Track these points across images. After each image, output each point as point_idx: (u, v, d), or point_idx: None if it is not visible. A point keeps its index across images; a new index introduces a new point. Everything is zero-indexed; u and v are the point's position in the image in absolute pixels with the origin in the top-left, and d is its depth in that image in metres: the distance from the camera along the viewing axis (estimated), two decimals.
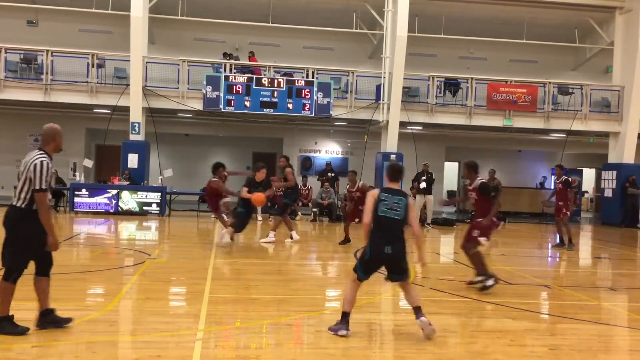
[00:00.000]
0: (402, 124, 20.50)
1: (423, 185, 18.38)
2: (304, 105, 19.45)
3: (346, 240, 13.03)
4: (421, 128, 22.28)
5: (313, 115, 19.72)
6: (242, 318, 6.43)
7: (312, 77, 20.02)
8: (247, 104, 19.27)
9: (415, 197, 18.59)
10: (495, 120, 21.03)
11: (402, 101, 20.20)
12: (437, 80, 21.06)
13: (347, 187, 13.57)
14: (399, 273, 6.00)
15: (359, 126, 22.20)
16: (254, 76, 19.58)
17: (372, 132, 21.42)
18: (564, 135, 22.23)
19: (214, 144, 25.06)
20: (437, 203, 16.02)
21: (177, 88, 19.55)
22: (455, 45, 23.02)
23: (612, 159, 21.97)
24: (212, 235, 14.53)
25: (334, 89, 20.15)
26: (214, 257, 10.65)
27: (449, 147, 25.44)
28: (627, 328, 6.98)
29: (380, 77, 20.30)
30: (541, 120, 21.18)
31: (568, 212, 13.64)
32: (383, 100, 20.16)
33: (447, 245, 15.10)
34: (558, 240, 14.04)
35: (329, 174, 20.80)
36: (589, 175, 28.36)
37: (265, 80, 19.43)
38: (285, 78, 19.71)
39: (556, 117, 21.29)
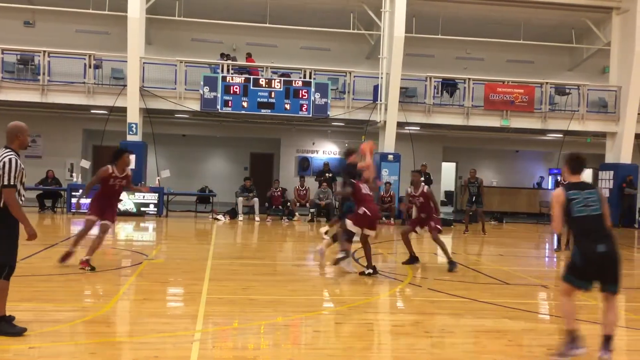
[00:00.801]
0: (400, 125, 20.51)
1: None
2: (302, 105, 19.45)
3: (413, 259, 10.65)
4: (418, 128, 22.30)
5: (310, 115, 19.72)
6: (239, 319, 6.42)
7: (310, 77, 20.02)
8: (245, 104, 19.26)
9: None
10: (493, 121, 21.05)
11: (399, 101, 20.21)
12: (435, 81, 21.08)
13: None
14: (612, 282, 5.31)
15: (357, 127, 22.21)
16: (252, 77, 19.57)
17: (369, 133, 21.41)
18: (561, 136, 22.26)
19: (212, 144, 25.06)
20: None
21: (175, 89, 19.53)
22: (453, 46, 23.05)
23: (609, 159, 22.01)
24: (210, 236, 14.52)
25: (332, 89, 20.15)
26: (212, 257, 10.64)
27: (447, 148, 25.47)
28: (625, 328, 6.99)
29: (378, 77, 20.31)
30: (538, 120, 21.21)
31: None
32: (380, 101, 20.17)
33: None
34: (556, 245, 14.02)
35: (327, 175, 20.80)
36: (586, 176, 28.41)
37: (262, 81, 19.42)
38: (282, 79, 19.72)
39: (553, 117, 21.32)
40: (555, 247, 14.08)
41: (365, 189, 9.59)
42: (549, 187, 26.35)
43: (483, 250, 14.01)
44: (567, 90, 21.76)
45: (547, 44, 22.75)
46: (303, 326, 6.44)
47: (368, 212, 9.33)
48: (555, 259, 13.33)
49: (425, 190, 10.41)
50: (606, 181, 22.00)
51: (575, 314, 5.46)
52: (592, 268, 5.23)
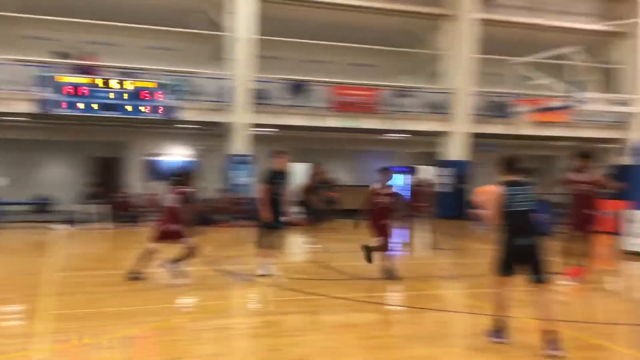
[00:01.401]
0: (251, 126, 20.53)
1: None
2: (149, 107, 18.75)
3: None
4: (271, 130, 22.47)
5: (158, 117, 19.07)
6: (88, 334, 6.04)
7: (157, 78, 19.37)
8: (86, 106, 18.15)
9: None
10: (341, 122, 21.76)
11: (250, 103, 20.23)
12: (285, 83, 21.36)
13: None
14: (537, 272, 5.67)
15: (207, 129, 21.86)
16: (94, 77, 18.51)
17: (222, 135, 21.20)
18: (403, 135, 23.55)
19: (50, 149, 23.31)
20: None
21: (1, 89, 17.89)
22: (301, 48, 23.48)
23: (444, 156, 23.70)
24: (50, 248, 13.51)
25: (181, 90, 19.65)
26: (53, 270, 9.92)
27: (299, 149, 25.87)
28: (465, 314, 7.56)
29: (229, 79, 20.16)
30: (383, 121, 22.29)
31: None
32: (232, 103, 20.04)
33: (301, 245, 15.36)
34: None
35: (177, 179, 20.24)
36: (426, 172, 30.26)
37: (105, 81, 18.45)
38: (127, 79, 18.86)
39: (396, 118, 22.50)
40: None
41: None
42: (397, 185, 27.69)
43: (338, 248, 14.43)
44: (407, 93, 23.08)
45: (386, 49, 23.94)
46: (157, 336, 6.22)
47: None
48: (402, 253, 14.06)
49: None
50: (443, 177, 23.66)
51: (506, 306, 5.81)
52: (517, 259, 5.70)
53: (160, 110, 18.88)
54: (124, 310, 7.18)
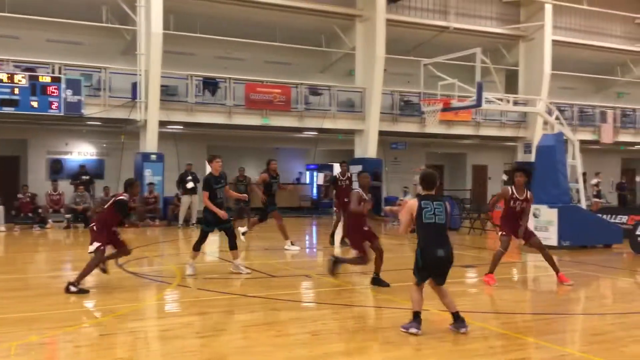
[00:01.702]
0: (162, 124, 19.99)
1: (190, 185, 18.22)
2: (51, 103, 17.82)
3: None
4: (181, 127, 21.99)
5: (62, 114, 18.17)
6: None
7: (59, 72, 18.46)
8: None
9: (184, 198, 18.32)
10: (254, 119, 21.64)
11: (160, 100, 19.68)
12: (196, 80, 20.96)
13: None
14: (443, 276, 6.15)
15: (115, 126, 21.10)
16: None
17: (129, 132, 20.51)
18: (316, 133, 23.74)
19: None
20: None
21: None
22: (213, 45, 23.13)
23: (357, 154, 24.09)
24: None
25: (85, 86, 18.82)
26: None
27: (211, 146, 25.51)
28: (378, 307, 7.70)
29: (136, 74, 19.52)
30: (295, 119, 22.35)
31: None
32: (140, 99, 19.41)
33: (212, 244, 15.10)
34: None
35: (83, 177, 19.43)
36: (339, 170, 30.65)
37: (3, 75, 17.37)
38: (27, 73, 17.85)
39: (308, 116, 22.63)
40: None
41: None
42: (307, 182, 27.93)
43: (250, 246, 14.32)
44: (320, 91, 23.28)
45: (300, 47, 24.05)
46: (62, 342, 5.92)
47: None
48: (315, 250, 14.18)
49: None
50: (356, 174, 24.03)
51: (421, 301, 6.13)
52: (432, 268, 6.11)
53: (65, 106, 17.99)
54: (26, 316, 6.78)
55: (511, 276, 10.37)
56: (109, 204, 8.74)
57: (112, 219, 8.57)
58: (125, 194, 8.65)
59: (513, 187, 9.26)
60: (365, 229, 8.80)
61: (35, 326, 6.31)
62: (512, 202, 9.12)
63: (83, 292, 7.96)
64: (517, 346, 5.91)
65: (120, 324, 6.49)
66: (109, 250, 8.65)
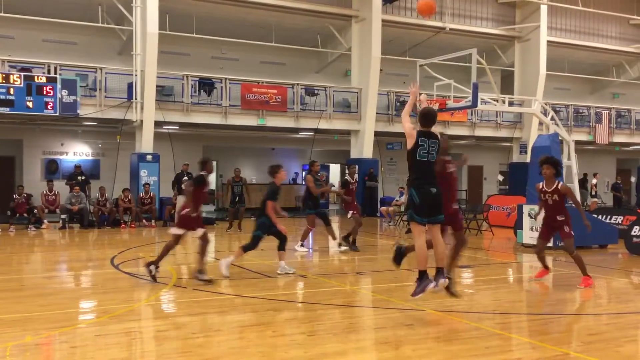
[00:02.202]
0: (158, 124, 19.97)
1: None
2: (47, 103, 17.78)
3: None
4: (177, 127, 21.97)
5: (57, 114, 18.14)
6: None
7: (55, 73, 18.42)
8: None
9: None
10: (250, 120, 21.63)
11: (156, 100, 19.66)
12: (192, 80, 20.94)
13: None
14: (440, 213, 6.30)
15: (111, 126, 21.07)
16: None
17: (125, 132, 20.48)
18: (312, 134, 23.75)
19: None
20: None
21: None
22: (209, 45, 23.13)
23: (353, 154, 24.11)
24: None
25: (81, 86, 18.80)
26: None
27: (206, 147, 25.50)
28: (373, 308, 7.71)
29: (132, 74, 19.49)
30: (291, 119, 22.35)
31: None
32: (136, 99, 19.39)
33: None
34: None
35: (79, 178, 19.39)
36: (335, 170, 30.72)
37: (4, 76, 17.31)
38: (22, 73, 17.81)
39: (304, 116, 22.65)
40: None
41: None
42: (303, 183, 27.85)
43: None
44: (316, 92, 23.30)
45: (296, 47, 24.05)
46: (57, 343, 5.90)
47: None
48: (311, 251, 14.16)
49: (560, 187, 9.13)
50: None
51: (427, 258, 6.29)
52: (427, 204, 6.24)
53: (61, 107, 17.96)
54: (22, 316, 6.76)
55: (506, 276, 10.40)
56: (189, 184, 9.18)
57: (199, 197, 8.82)
58: (203, 171, 9.01)
59: (543, 181, 8.98)
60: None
61: (30, 327, 6.30)
62: (542, 196, 8.92)
63: (207, 281, 8.48)
64: (513, 346, 5.92)
65: (116, 325, 6.48)
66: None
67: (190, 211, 8.73)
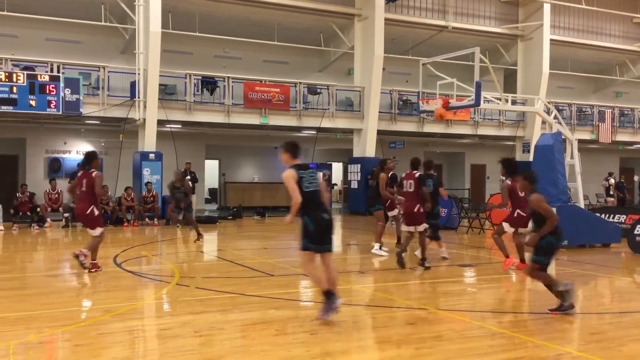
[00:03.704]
0: (160, 122, 19.99)
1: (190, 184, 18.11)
2: (50, 102, 17.82)
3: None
4: (180, 126, 21.99)
5: (60, 113, 18.17)
6: None
7: (58, 71, 18.45)
8: None
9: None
10: (252, 118, 21.64)
11: (159, 99, 19.68)
12: (194, 78, 20.96)
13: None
14: (330, 243, 6.49)
15: (114, 125, 21.10)
16: None
17: (128, 131, 20.50)
18: (315, 132, 23.75)
19: None
20: None
21: None
22: (212, 44, 23.14)
23: (356, 153, 24.10)
24: None
25: (84, 85, 18.83)
26: None
27: (209, 145, 25.54)
28: (375, 306, 7.71)
29: (135, 73, 19.51)
30: (294, 118, 22.36)
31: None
32: (138, 98, 19.41)
33: (210, 243, 15.12)
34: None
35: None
36: (337, 169, 30.72)
37: (1, 74, 17.36)
38: (25, 72, 17.84)
39: (307, 115, 22.65)
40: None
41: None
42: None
43: (248, 245, 14.34)
44: (318, 90, 23.28)
45: (298, 46, 24.05)
46: (60, 341, 5.91)
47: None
48: None
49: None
50: (354, 174, 24.07)
51: (323, 276, 6.36)
52: (322, 232, 6.40)
53: (64, 105, 17.99)
54: (25, 315, 6.78)
55: (509, 275, 10.38)
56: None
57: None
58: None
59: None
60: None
61: (33, 325, 6.32)
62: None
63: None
64: (516, 345, 5.92)
65: (118, 323, 6.49)
66: None
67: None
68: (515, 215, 9.79)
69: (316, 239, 6.40)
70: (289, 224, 6.45)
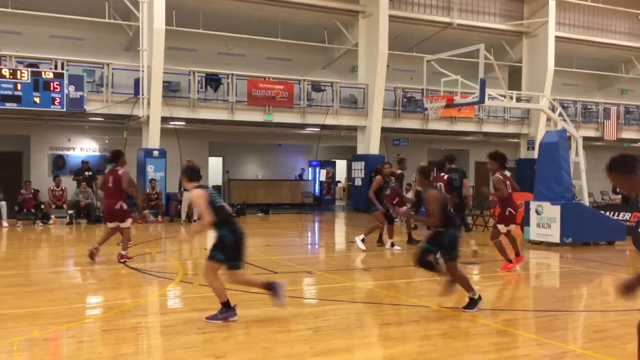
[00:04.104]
0: (164, 120, 20.00)
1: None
2: (54, 99, 17.84)
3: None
4: (184, 123, 21.99)
5: (64, 110, 18.19)
6: None
7: (62, 68, 18.47)
8: None
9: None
10: (256, 115, 21.63)
11: (162, 96, 19.68)
12: (198, 75, 20.95)
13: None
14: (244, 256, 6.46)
15: (118, 122, 21.12)
16: None
17: (132, 128, 20.53)
18: (319, 129, 23.73)
19: None
20: None
21: None
22: (215, 41, 23.12)
23: (360, 150, 24.07)
24: None
25: (88, 82, 18.84)
26: None
27: (213, 142, 25.55)
28: (379, 304, 7.70)
29: (139, 70, 19.51)
30: (298, 115, 22.34)
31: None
32: (142, 95, 19.42)
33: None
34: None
35: (86, 173, 19.46)
36: (341, 166, 30.70)
37: (5, 71, 17.39)
38: (29, 69, 17.86)
39: (311, 112, 22.62)
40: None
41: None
42: (309, 179, 27.94)
43: (252, 242, 14.34)
44: (322, 87, 23.25)
45: (302, 43, 24.01)
46: (65, 338, 5.93)
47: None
48: (317, 247, 14.17)
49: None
50: (358, 171, 24.04)
51: (224, 287, 6.37)
52: (241, 244, 6.40)
53: (68, 102, 18.01)
54: (29, 311, 6.79)
55: (513, 273, 10.35)
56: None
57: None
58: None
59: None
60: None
61: (38, 322, 6.33)
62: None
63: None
64: (519, 343, 5.90)
65: (122, 320, 6.50)
66: None
67: None
68: (507, 214, 9.72)
69: (236, 252, 6.36)
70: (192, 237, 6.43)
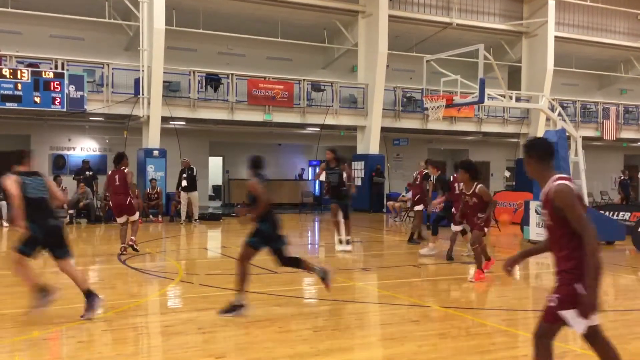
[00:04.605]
0: (164, 119, 20.01)
1: (184, 183, 17.86)
2: (54, 99, 17.85)
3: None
4: (184, 123, 22.00)
5: (65, 110, 18.20)
6: None
7: (62, 68, 18.48)
8: None
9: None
10: (256, 115, 21.63)
11: (163, 96, 19.68)
12: (198, 75, 20.96)
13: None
14: (60, 247, 6.54)
15: (118, 121, 21.13)
16: None
17: (132, 128, 20.53)
18: (319, 129, 23.73)
19: None
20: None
21: None
22: (215, 41, 23.12)
23: (360, 150, 24.08)
24: None
25: (88, 81, 18.85)
26: None
27: (213, 142, 25.56)
28: (378, 304, 7.72)
29: (139, 70, 19.51)
30: (298, 115, 22.34)
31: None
32: (143, 95, 19.42)
33: (214, 240, 15.16)
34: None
35: (87, 173, 19.47)
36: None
37: (5, 71, 17.39)
38: (30, 69, 17.87)
39: (311, 112, 22.63)
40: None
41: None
42: (309, 179, 27.96)
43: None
44: (322, 87, 23.26)
45: (302, 43, 24.02)
46: (64, 338, 5.94)
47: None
48: (317, 246, 14.17)
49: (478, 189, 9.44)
50: (358, 171, 24.03)
51: (30, 273, 6.59)
52: (47, 237, 6.44)
53: (68, 102, 18.02)
54: (28, 312, 6.79)
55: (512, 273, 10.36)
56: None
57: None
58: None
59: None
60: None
61: (37, 321, 6.33)
62: (463, 197, 9.69)
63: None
64: (519, 343, 5.91)
65: (122, 320, 6.51)
66: None
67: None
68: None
69: (43, 244, 6.48)
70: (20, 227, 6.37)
